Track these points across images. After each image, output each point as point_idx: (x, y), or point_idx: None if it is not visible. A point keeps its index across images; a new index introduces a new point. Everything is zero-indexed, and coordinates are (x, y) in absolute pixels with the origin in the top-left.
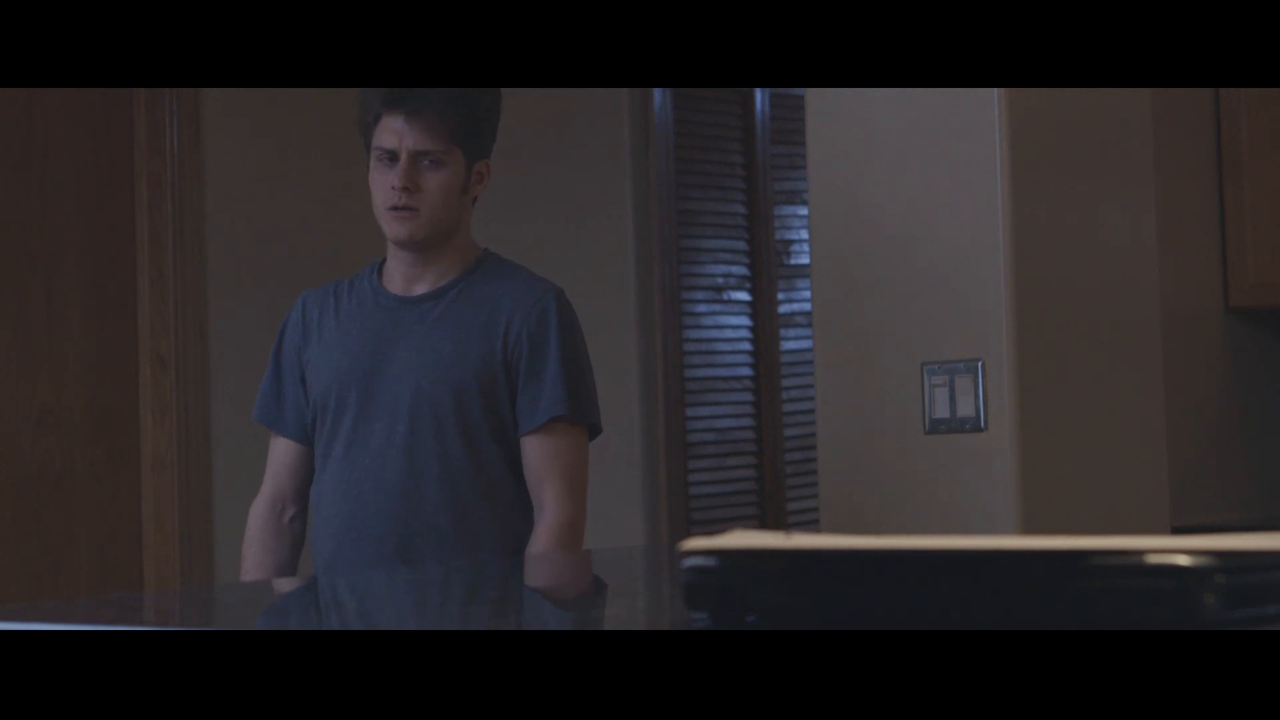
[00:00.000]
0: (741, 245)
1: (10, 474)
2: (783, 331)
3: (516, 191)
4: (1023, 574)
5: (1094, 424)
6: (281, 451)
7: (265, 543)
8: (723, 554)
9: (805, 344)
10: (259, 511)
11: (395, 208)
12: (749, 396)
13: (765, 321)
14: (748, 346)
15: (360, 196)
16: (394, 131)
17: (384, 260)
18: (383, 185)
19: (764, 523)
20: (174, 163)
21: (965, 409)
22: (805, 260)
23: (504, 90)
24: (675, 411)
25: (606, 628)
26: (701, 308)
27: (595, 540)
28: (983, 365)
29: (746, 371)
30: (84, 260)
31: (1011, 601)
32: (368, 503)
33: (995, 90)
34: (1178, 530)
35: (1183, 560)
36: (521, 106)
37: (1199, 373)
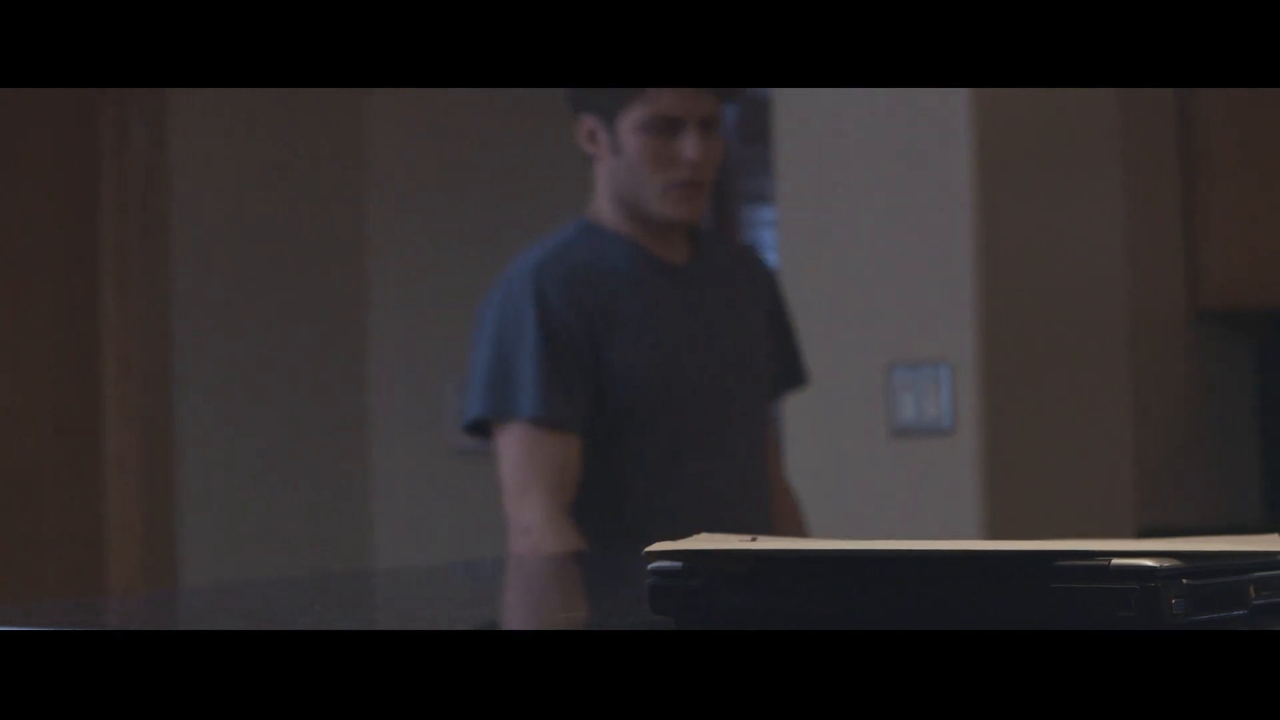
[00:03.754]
0: None
1: None
2: None
3: (487, 194)
4: (988, 576)
5: (1061, 426)
6: (569, 451)
7: None
8: (687, 557)
9: None
10: (561, 525)
11: (685, 184)
12: None
13: None
14: None
15: (327, 197)
16: (679, 95)
17: (589, 223)
18: (662, 159)
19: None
20: (139, 163)
21: (932, 411)
22: (773, 262)
23: (472, 92)
24: None
25: (569, 629)
26: None
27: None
28: (950, 368)
29: None
30: (47, 262)
31: (976, 603)
32: (733, 506)
33: (964, 90)
34: (1144, 532)
35: (1148, 563)
36: (491, 108)
37: (1165, 375)
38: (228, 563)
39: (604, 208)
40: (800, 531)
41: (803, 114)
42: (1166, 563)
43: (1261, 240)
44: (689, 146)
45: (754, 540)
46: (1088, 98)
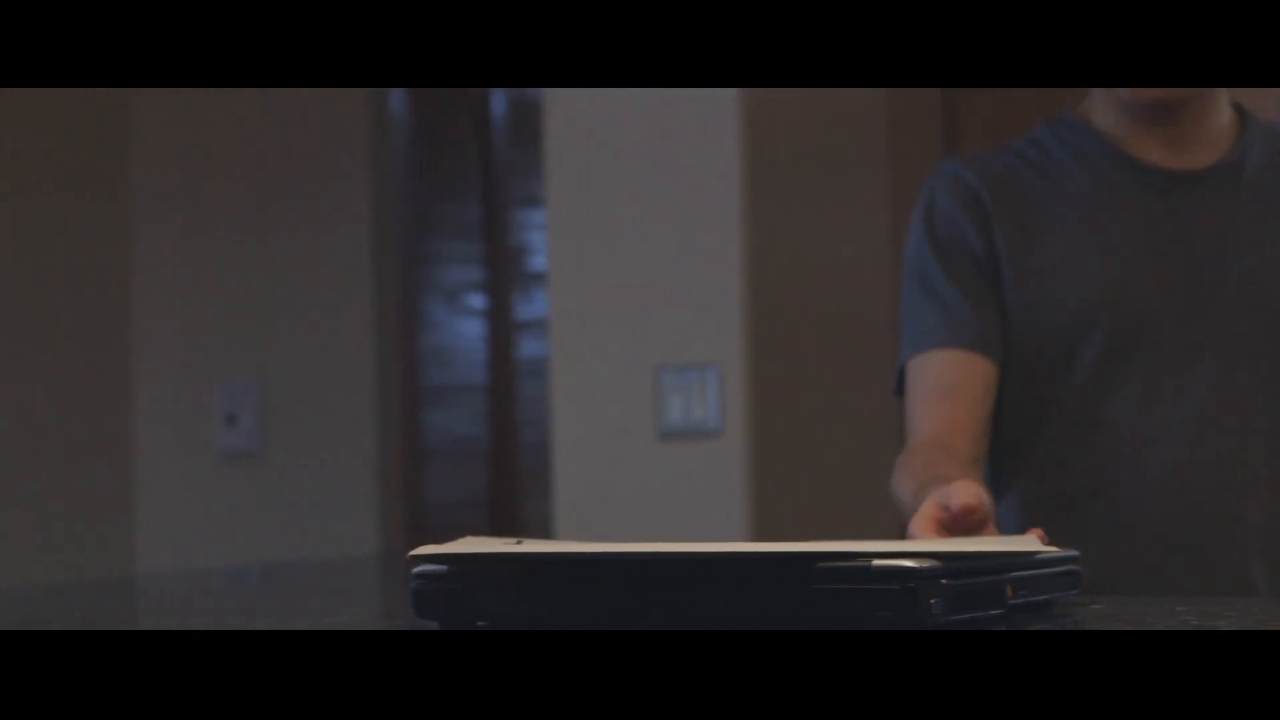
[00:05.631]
0: (478, 249)
1: None
2: (519, 337)
3: (252, 194)
4: (751, 577)
5: (828, 428)
6: (985, 379)
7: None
8: (451, 560)
9: (542, 349)
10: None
11: None
12: (484, 402)
13: (501, 327)
14: (484, 352)
15: (91, 197)
16: None
17: (1067, 116)
18: None
19: (498, 529)
20: None
21: (700, 414)
22: (543, 265)
23: (239, 92)
24: (409, 417)
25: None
26: (437, 313)
27: (326, 548)
28: (718, 370)
29: (482, 377)
30: None
31: (739, 604)
32: (1202, 480)
33: (732, 91)
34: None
35: (907, 564)
36: (258, 106)
37: None
38: None
39: (1095, 97)
40: None
41: (572, 115)
42: (926, 564)
43: None
44: None
45: (519, 543)
46: (855, 98)
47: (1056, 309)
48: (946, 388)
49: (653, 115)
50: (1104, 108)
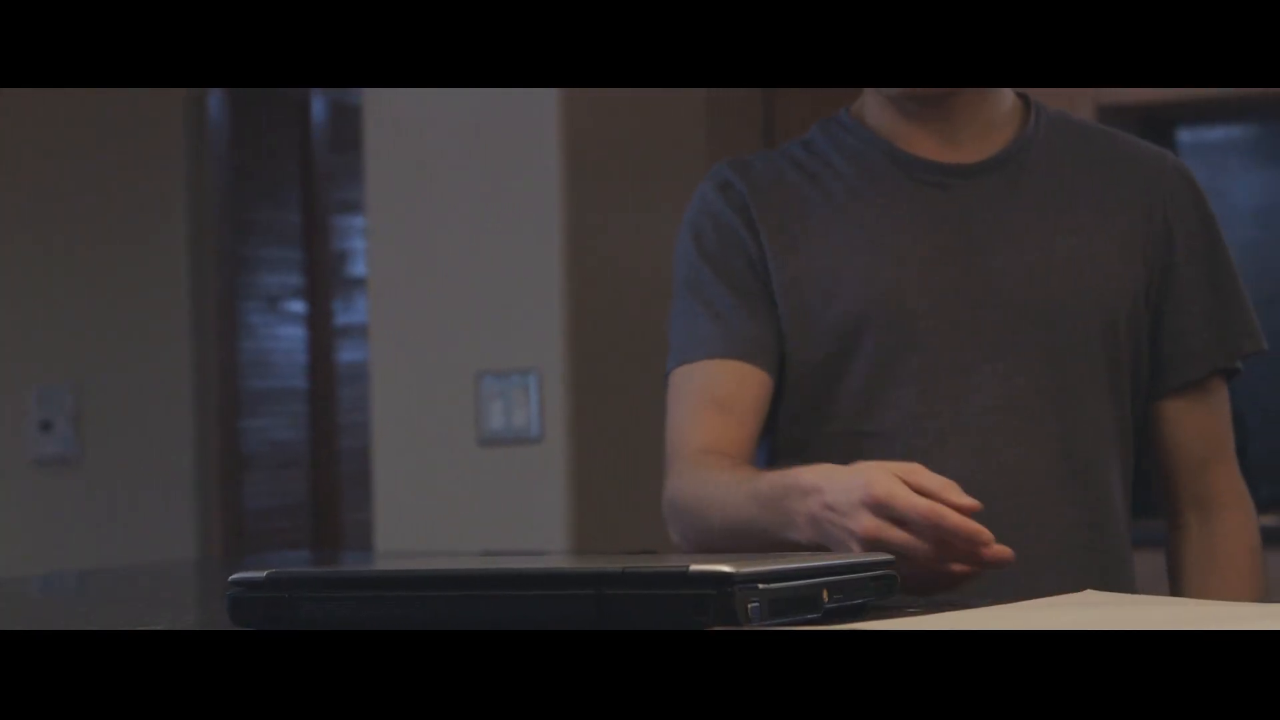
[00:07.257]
0: (298, 255)
1: None
2: (339, 343)
3: (67, 197)
4: (566, 583)
5: (647, 433)
6: (744, 381)
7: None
8: (271, 570)
9: (362, 355)
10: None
11: None
12: (304, 408)
13: (321, 332)
14: (303, 357)
15: None
16: None
17: (835, 117)
18: None
19: (319, 535)
20: None
21: (520, 420)
22: (363, 271)
23: (52, 91)
24: (228, 423)
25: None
26: (256, 318)
27: (145, 553)
28: (537, 376)
29: (302, 383)
30: None
31: (556, 609)
32: (986, 491)
33: (552, 91)
34: None
35: (725, 569)
36: (73, 107)
37: None
38: None
39: (868, 95)
40: (1246, 559)
41: (392, 119)
42: (744, 568)
43: None
44: None
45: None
46: (674, 99)
47: (823, 316)
48: (718, 399)
49: (472, 119)
50: (875, 104)
